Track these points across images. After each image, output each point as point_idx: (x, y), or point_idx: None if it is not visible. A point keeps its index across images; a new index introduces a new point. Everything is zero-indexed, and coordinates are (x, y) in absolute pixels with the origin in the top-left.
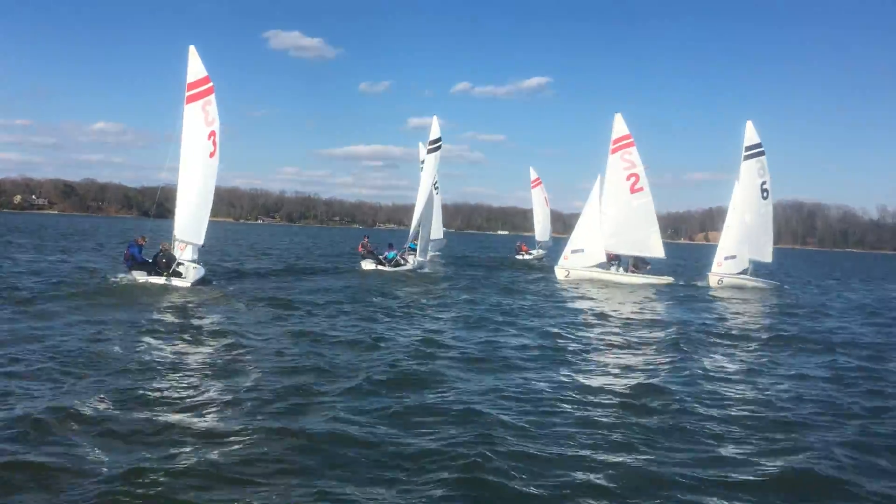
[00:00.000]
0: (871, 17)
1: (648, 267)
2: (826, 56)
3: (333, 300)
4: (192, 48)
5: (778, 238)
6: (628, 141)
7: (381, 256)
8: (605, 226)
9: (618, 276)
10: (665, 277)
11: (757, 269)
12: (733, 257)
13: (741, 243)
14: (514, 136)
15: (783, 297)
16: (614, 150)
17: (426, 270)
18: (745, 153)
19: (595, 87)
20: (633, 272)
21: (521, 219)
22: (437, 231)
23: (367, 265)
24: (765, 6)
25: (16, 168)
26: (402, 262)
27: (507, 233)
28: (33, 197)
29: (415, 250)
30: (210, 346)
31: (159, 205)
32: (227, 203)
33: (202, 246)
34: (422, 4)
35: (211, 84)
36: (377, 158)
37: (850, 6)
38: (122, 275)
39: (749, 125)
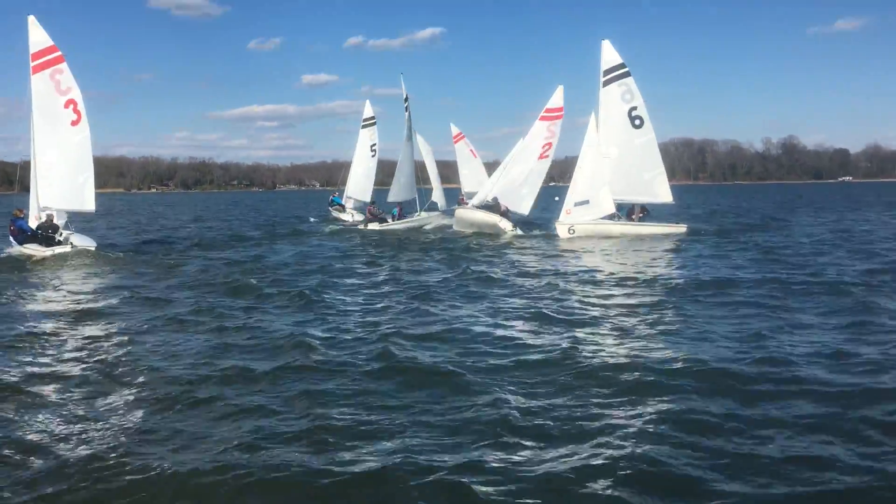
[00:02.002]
0: None
1: (643, 214)
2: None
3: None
4: (31, 18)
5: (672, 175)
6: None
7: (388, 217)
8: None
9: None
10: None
11: (658, 212)
12: (585, 202)
13: (595, 187)
14: (411, 88)
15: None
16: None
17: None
18: (603, 78)
19: (488, 34)
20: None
21: (421, 171)
22: (364, 193)
23: (374, 227)
24: None
25: None
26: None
27: None
28: None
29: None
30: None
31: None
32: (115, 173)
33: (93, 212)
34: None
35: (59, 53)
36: (272, 118)
37: None
38: (10, 249)
39: (606, 44)
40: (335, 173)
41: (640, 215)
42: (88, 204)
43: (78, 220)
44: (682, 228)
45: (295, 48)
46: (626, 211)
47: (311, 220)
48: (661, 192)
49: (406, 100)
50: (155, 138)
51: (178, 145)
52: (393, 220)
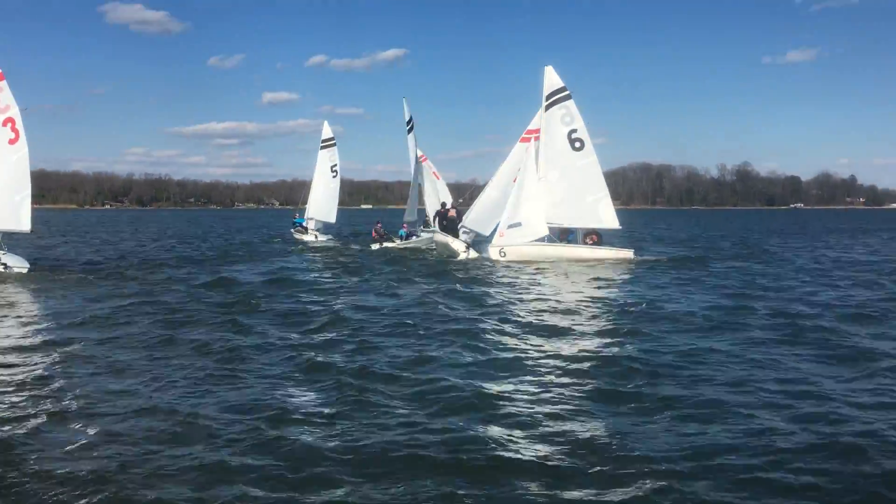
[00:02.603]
0: None
1: (594, 240)
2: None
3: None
4: None
5: (630, 199)
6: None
7: (395, 237)
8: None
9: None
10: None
11: (607, 238)
12: (518, 224)
13: (529, 209)
14: (372, 109)
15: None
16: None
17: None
18: (545, 102)
19: (451, 56)
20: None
21: (383, 192)
22: (327, 214)
23: (375, 246)
24: None
25: None
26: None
27: (370, 206)
28: None
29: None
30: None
31: None
32: (68, 189)
33: (31, 232)
34: None
35: None
36: (231, 136)
37: None
38: None
39: (549, 70)
40: (295, 192)
41: (591, 241)
42: (24, 224)
43: (22, 239)
44: (627, 253)
45: (256, 65)
46: (574, 237)
47: (276, 241)
48: (605, 216)
49: (410, 122)
50: (110, 153)
51: (135, 161)
52: (401, 241)
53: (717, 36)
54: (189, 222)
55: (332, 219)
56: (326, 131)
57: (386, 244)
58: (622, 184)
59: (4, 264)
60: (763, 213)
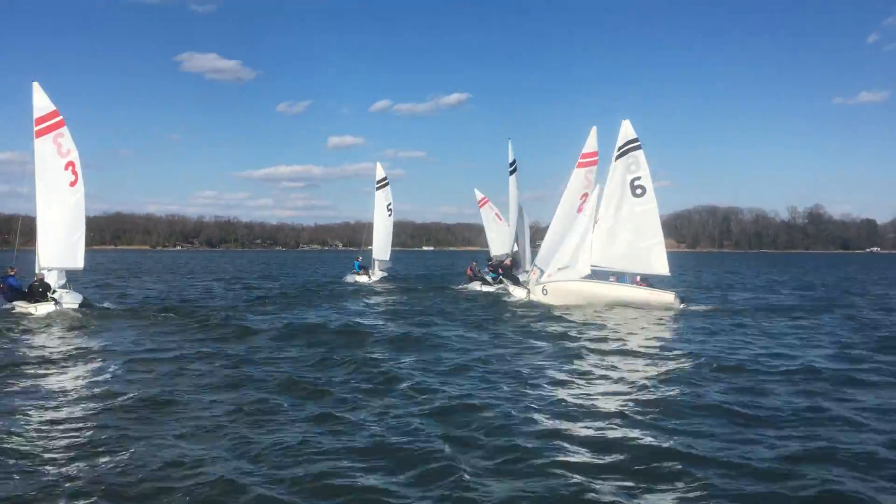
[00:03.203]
0: (772, 19)
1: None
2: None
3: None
4: (35, 85)
5: (696, 242)
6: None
7: (486, 277)
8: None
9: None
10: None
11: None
12: (566, 267)
13: (579, 252)
14: (434, 152)
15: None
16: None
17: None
18: (617, 153)
19: (510, 101)
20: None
21: (444, 234)
22: (384, 252)
23: (474, 286)
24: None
25: None
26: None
27: (431, 248)
28: None
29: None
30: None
31: (22, 234)
32: (142, 230)
33: (82, 269)
34: (341, 25)
35: (60, 118)
36: (297, 179)
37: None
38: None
39: (625, 124)
40: (358, 233)
41: (641, 286)
42: (79, 262)
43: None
44: (667, 297)
45: (322, 111)
46: (625, 280)
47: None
48: (656, 262)
49: (513, 164)
50: (183, 196)
51: (206, 203)
52: (493, 282)
53: (787, 77)
54: (263, 264)
55: (387, 256)
56: (380, 172)
57: (477, 285)
58: (687, 226)
59: (58, 301)
60: (838, 256)
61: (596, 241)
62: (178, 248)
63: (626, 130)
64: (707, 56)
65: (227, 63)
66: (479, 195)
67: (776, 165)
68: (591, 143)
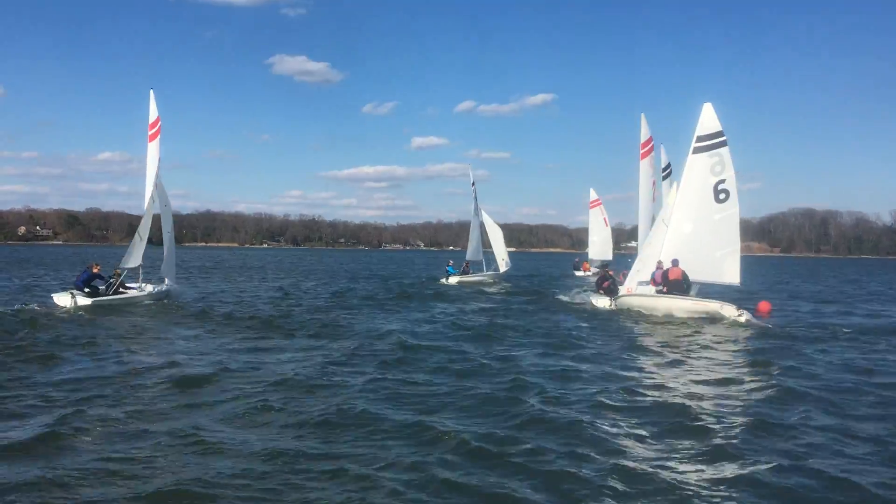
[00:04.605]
0: (872, 16)
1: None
2: (827, 62)
3: None
4: (151, 92)
5: (791, 246)
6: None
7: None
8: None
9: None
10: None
11: (723, 293)
12: (646, 283)
13: (650, 260)
14: (519, 153)
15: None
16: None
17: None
18: (695, 144)
19: (597, 99)
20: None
21: (526, 235)
22: (476, 252)
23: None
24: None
25: (22, 199)
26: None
27: (513, 249)
28: (37, 228)
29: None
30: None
31: (117, 231)
32: (231, 228)
33: (141, 265)
34: (427, 26)
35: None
36: (381, 179)
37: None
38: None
39: (707, 108)
40: (440, 234)
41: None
42: (136, 260)
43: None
44: (731, 309)
45: (407, 112)
46: (695, 290)
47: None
48: (728, 271)
49: (667, 168)
50: (270, 196)
51: (292, 203)
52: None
53: (888, 71)
54: (354, 262)
55: (479, 257)
56: (471, 175)
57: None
58: (782, 230)
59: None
60: None
61: (669, 247)
62: (265, 245)
63: (709, 117)
64: (801, 50)
65: (316, 65)
66: (593, 195)
67: (879, 166)
68: (643, 134)
